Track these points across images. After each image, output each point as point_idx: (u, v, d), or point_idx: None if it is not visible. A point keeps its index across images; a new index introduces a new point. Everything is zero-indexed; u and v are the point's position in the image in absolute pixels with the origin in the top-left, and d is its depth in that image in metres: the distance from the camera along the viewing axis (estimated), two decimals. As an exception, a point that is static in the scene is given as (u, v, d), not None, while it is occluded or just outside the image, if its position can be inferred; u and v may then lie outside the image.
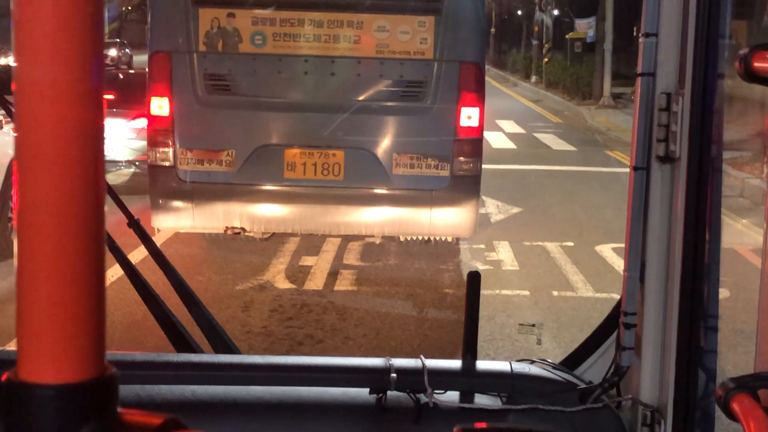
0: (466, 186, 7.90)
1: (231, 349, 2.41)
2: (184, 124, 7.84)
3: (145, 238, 2.51)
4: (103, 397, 0.70)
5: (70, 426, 0.68)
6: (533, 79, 36.48)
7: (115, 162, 12.39)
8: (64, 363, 0.68)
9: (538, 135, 20.16)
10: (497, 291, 7.92)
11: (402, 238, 8.63)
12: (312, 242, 9.49)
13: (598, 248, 9.43)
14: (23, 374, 0.69)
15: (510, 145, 18.38)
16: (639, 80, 1.92)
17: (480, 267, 8.68)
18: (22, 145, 0.68)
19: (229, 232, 8.04)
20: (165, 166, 7.84)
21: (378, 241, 9.49)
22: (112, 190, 2.35)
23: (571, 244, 9.67)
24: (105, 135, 0.71)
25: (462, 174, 7.84)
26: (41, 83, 0.67)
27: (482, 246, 9.46)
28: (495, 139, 18.74)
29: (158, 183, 7.96)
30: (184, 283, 2.47)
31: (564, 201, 12.32)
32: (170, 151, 7.82)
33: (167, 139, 7.80)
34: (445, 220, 7.98)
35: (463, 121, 7.79)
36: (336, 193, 7.88)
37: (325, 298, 7.79)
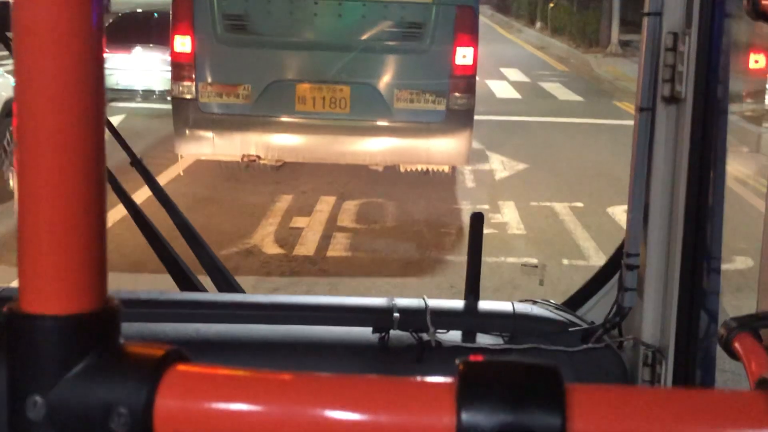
0: (460, 119, 8.49)
1: (234, 288, 2.37)
2: (205, 60, 8.40)
3: (148, 178, 2.44)
4: (105, 329, 0.69)
5: (72, 357, 0.67)
6: (538, 25, 35.54)
7: (151, 90, 13.52)
8: (65, 294, 0.68)
9: (543, 84, 19.31)
10: (502, 258, 7.27)
11: (402, 168, 8.97)
12: (305, 201, 8.89)
13: (610, 210, 8.73)
14: (25, 305, 0.68)
15: (515, 94, 17.57)
16: (645, 20, 1.86)
17: (484, 231, 8.08)
18: (21, 84, 0.67)
19: (245, 159, 8.61)
20: (187, 99, 8.42)
21: (375, 201, 8.92)
22: (114, 130, 2.34)
23: (580, 204, 9.02)
24: (105, 73, 0.70)
25: (457, 108, 8.41)
26: (40, 23, 0.65)
27: (486, 206, 8.79)
28: (499, 89, 17.97)
29: (181, 114, 8.53)
30: (188, 222, 2.42)
31: (572, 156, 11.62)
32: (192, 85, 8.39)
33: (189, 73, 8.37)
34: (442, 150, 8.56)
35: (459, 60, 8.32)
36: (343, 125, 8.46)
37: (316, 265, 7.18)
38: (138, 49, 13.62)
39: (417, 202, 8.86)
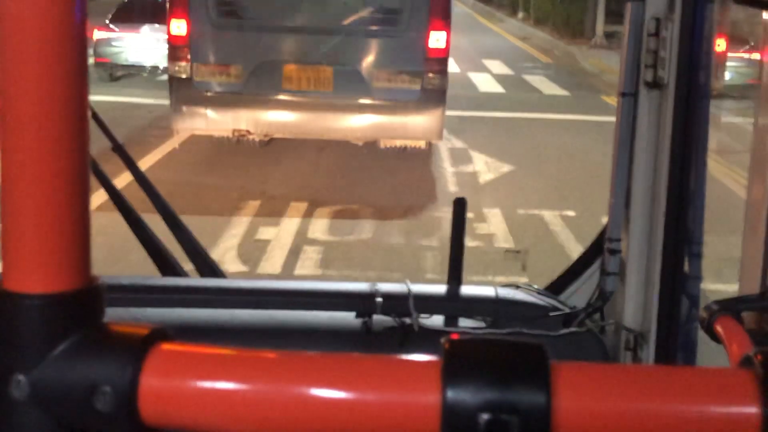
0: (434, 97, 9.07)
1: (216, 273, 2.32)
2: (199, 42, 8.96)
3: (130, 163, 2.39)
4: (89, 308, 0.69)
5: (56, 335, 0.66)
6: (520, 15, 34.85)
7: (156, 67, 14.52)
8: (49, 273, 0.67)
9: (527, 77, 18.51)
10: (489, 278, 6.60)
11: (382, 144, 9.50)
12: (274, 207, 8.16)
13: (605, 221, 8.10)
14: (9, 284, 0.67)
15: (498, 88, 16.79)
16: (629, 5, 1.86)
17: (468, 244, 7.40)
18: (4, 67, 0.66)
19: (235, 134, 9.19)
20: (183, 78, 9.01)
21: (350, 208, 8.22)
22: (96, 115, 2.28)
23: (572, 213, 8.30)
24: (88, 58, 0.69)
25: (431, 88, 9.01)
26: (24, 8, 0.64)
27: (471, 215, 8.09)
28: (482, 82, 17.21)
29: (177, 92, 9.11)
30: (169, 208, 2.36)
31: (560, 157, 10.89)
32: (187, 65, 8.96)
33: (185, 55, 8.94)
34: (417, 126, 9.17)
35: (433, 43, 8.93)
36: (326, 102, 9.08)
37: (282, 285, 6.48)
38: (145, 29, 14.69)
39: (395, 208, 8.19)
